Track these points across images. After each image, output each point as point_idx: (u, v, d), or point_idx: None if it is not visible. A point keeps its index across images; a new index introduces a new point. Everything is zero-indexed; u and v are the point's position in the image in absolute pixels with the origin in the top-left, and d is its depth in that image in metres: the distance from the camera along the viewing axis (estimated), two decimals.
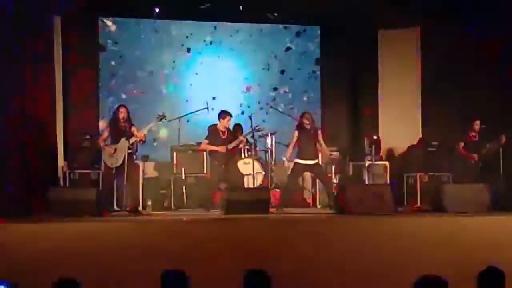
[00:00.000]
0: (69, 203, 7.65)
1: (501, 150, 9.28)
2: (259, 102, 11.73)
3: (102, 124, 10.48)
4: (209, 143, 9.14)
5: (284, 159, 9.62)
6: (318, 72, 12.04)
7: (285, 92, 11.93)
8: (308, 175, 10.01)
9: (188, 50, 11.48)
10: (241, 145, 9.46)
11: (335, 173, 10.20)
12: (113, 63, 11.24)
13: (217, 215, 8.38)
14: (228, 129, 9.26)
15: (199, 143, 9.57)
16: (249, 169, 9.73)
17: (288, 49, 11.96)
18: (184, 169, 9.87)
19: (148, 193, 9.82)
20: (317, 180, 10.01)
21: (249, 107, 11.46)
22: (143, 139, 8.53)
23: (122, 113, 8.51)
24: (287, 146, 9.26)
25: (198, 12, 10.98)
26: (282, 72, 11.91)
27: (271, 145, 10.47)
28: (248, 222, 7.35)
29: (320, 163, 9.18)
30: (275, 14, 11.26)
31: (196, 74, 11.52)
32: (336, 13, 11.18)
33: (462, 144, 9.59)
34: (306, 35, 12.04)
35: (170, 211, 9.34)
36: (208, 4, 10.71)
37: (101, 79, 11.16)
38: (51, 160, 9.30)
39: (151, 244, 6.50)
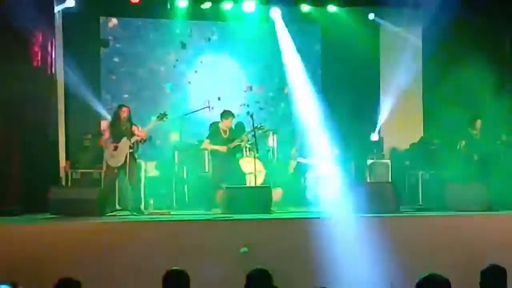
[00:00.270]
0: (71, 203, 7.65)
1: (502, 148, 9.27)
2: (257, 102, 11.67)
3: (103, 124, 10.47)
4: (210, 142, 9.14)
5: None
6: (319, 71, 12.01)
7: (286, 91, 11.89)
8: (309, 173, 10.00)
9: (183, 45, 11.43)
10: (243, 144, 9.44)
11: (337, 171, 10.19)
12: (115, 60, 11.21)
13: (219, 214, 8.37)
14: (230, 128, 9.25)
15: (201, 142, 9.57)
16: (251, 168, 9.72)
17: (290, 47, 11.93)
18: (186, 168, 9.86)
19: (150, 192, 9.82)
20: (319, 179, 10.01)
21: (248, 105, 11.40)
22: (145, 138, 8.53)
23: (124, 113, 8.51)
24: None
25: (200, 12, 10.96)
26: (283, 71, 11.87)
27: (273, 143, 10.47)
28: (249, 221, 7.35)
29: (321, 162, 9.17)
30: None
31: (196, 72, 11.49)
32: (337, 10, 11.16)
33: (463, 142, 9.58)
34: (308, 32, 12.01)
35: (171, 210, 9.34)
36: (210, 3, 10.70)
37: (102, 78, 11.14)
38: (53, 160, 9.30)
39: (152, 243, 6.50)
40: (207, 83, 11.36)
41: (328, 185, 9.30)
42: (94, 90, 10.88)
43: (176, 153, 10.06)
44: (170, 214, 8.67)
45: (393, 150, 11.06)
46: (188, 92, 11.39)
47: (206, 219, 7.70)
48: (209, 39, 11.53)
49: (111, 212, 8.20)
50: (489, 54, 10.00)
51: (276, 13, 11.09)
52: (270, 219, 7.75)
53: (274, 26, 11.51)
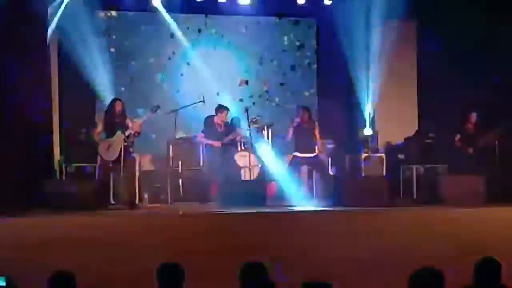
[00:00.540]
0: (65, 197, 7.64)
1: (496, 142, 9.28)
2: (251, 96, 11.65)
3: (98, 117, 10.45)
4: (205, 136, 9.13)
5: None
6: (315, 65, 12.01)
7: (281, 84, 11.89)
8: (304, 168, 10.00)
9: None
10: (238, 138, 9.44)
11: (331, 165, 10.21)
12: (109, 52, 11.17)
13: (214, 208, 8.38)
14: (225, 122, 9.24)
15: (195, 136, 9.56)
16: (246, 162, 9.73)
17: (284, 40, 11.93)
18: (181, 162, 9.86)
19: (145, 186, 9.82)
20: (314, 173, 10.02)
21: (242, 100, 11.39)
22: (139, 131, 8.50)
23: (118, 106, 8.49)
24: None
25: (194, 5, 10.94)
26: (279, 65, 11.88)
27: (268, 137, 10.47)
28: (244, 214, 7.36)
29: (318, 155, 9.17)
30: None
31: (188, 64, 11.47)
32: (332, 5, 11.16)
33: (458, 136, 9.59)
34: (303, 27, 12.01)
35: (166, 205, 9.34)
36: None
37: (97, 70, 11.08)
38: (47, 153, 9.28)
39: (147, 237, 6.50)
40: (200, 76, 11.34)
41: (323, 179, 9.31)
42: (88, 83, 10.89)
43: (171, 147, 10.06)
44: (164, 208, 8.67)
45: (388, 144, 11.07)
46: (181, 84, 11.37)
47: (200, 213, 7.71)
48: (199, 31, 11.48)
49: (106, 206, 8.19)
50: (485, 47, 10.01)
51: None
52: (265, 212, 7.76)
53: (270, 20, 11.56)
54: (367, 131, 10.75)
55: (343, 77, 11.75)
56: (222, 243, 6.53)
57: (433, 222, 7.16)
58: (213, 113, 9.32)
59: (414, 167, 10.09)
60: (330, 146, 10.60)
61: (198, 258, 6.16)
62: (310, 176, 10.37)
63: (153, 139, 10.79)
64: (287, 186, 9.50)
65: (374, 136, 10.66)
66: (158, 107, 8.66)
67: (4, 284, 3.89)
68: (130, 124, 8.42)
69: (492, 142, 9.37)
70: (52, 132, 9.54)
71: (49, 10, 9.70)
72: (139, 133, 8.56)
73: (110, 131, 8.43)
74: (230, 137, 9.19)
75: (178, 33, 11.39)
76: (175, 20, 11.30)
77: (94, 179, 8.95)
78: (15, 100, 8.31)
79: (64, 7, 10.22)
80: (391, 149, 10.93)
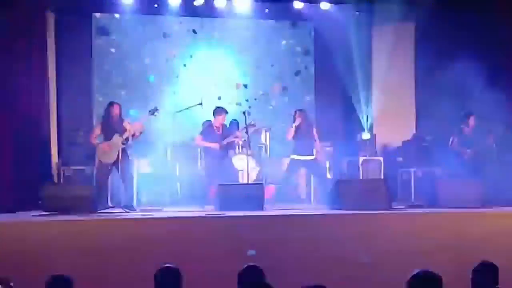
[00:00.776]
0: (63, 200, 7.63)
1: (494, 145, 9.30)
2: (246, 100, 11.64)
3: (96, 121, 10.46)
4: (203, 139, 9.13)
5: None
6: (312, 68, 12.03)
7: (278, 88, 11.90)
8: (302, 170, 10.01)
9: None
10: (236, 140, 9.42)
11: (329, 168, 10.22)
12: (106, 56, 11.19)
13: (212, 211, 8.37)
14: (223, 125, 9.24)
15: (194, 139, 9.56)
16: (244, 165, 9.73)
17: (282, 43, 11.94)
18: (179, 165, 9.86)
19: (143, 189, 9.81)
20: (312, 176, 10.03)
21: (239, 104, 11.39)
22: (137, 134, 8.47)
23: (115, 110, 8.47)
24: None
25: (192, 8, 10.95)
26: (276, 68, 11.89)
27: (266, 140, 10.48)
28: (242, 217, 7.35)
29: (316, 158, 9.18)
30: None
31: (184, 65, 11.48)
32: (330, 8, 11.17)
33: (455, 139, 9.60)
34: (300, 31, 12.03)
35: (164, 207, 9.33)
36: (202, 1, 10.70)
37: (94, 73, 11.12)
38: (45, 157, 9.27)
39: (145, 240, 6.50)
40: (197, 79, 11.37)
41: (321, 182, 9.31)
42: (86, 86, 10.91)
43: (169, 149, 10.06)
44: (162, 211, 8.66)
45: (386, 147, 11.08)
46: (178, 87, 11.38)
47: (198, 216, 7.70)
48: (196, 33, 11.50)
49: (104, 209, 8.18)
50: (482, 50, 10.02)
51: None
52: (263, 216, 7.75)
53: (268, 23, 11.59)
54: (365, 135, 10.75)
55: (341, 81, 11.77)
56: (220, 246, 6.53)
57: (430, 225, 7.15)
58: (211, 117, 9.30)
59: (412, 170, 10.09)
60: (328, 149, 10.61)
61: (196, 262, 6.16)
62: (308, 179, 10.39)
63: (151, 142, 10.78)
64: (285, 189, 9.53)
65: (372, 140, 10.66)
66: (156, 109, 8.65)
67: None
68: (127, 127, 8.41)
69: (489, 145, 9.38)
70: (50, 135, 9.54)
71: (48, 13, 9.71)
72: (137, 136, 8.53)
73: (107, 134, 8.42)
74: (231, 137, 9.16)
75: (176, 36, 11.42)
76: (173, 22, 11.33)
77: (92, 182, 8.94)
78: (13, 102, 8.30)
79: (64, 10, 10.25)
80: (389, 152, 10.94)
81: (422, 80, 11.24)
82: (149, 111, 8.67)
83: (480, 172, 9.07)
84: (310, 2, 10.98)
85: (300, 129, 8.98)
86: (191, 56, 11.51)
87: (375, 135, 10.83)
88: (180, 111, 10.26)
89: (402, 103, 11.34)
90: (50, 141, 9.57)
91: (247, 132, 9.33)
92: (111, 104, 8.63)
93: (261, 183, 9.55)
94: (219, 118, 9.12)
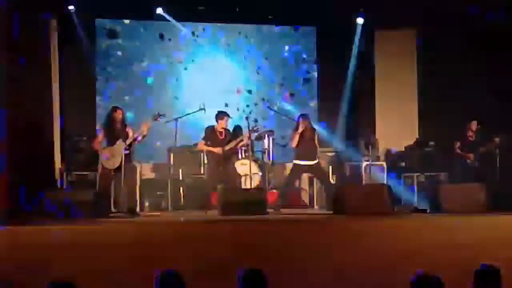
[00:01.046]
0: (66, 205, 7.63)
1: (497, 150, 9.29)
2: (247, 105, 11.66)
3: (99, 127, 10.48)
4: (206, 144, 9.13)
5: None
6: (315, 73, 12.04)
7: (281, 92, 11.91)
8: (305, 175, 10.01)
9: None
10: (240, 144, 9.41)
11: (332, 173, 10.22)
12: (109, 61, 11.23)
13: (214, 216, 8.38)
14: (225, 129, 9.24)
15: (196, 144, 9.57)
16: (246, 170, 9.74)
17: (284, 49, 11.96)
18: (182, 170, 9.87)
19: (146, 194, 9.84)
20: (315, 181, 10.04)
21: (237, 109, 11.40)
22: (139, 139, 8.46)
23: (119, 115, 8.47)
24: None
25: (194, 13, 10.98)
26: (278, 72, 11.90)
27: (269, 146, 10.49)
28: (245, 223, 7.35)
29: (318, 163, 9.17)
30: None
31: (185, 69, 11.51)
32: (333, 13, 11.19)
33: (458, 144, 9.60)
34: (303, 35, 12.04)
35: (167, 212, 9.35)
36: (203, 8, 10.73)
37: (97, 78, 11.16)
38: (48, 162, 9.29)
39: (148, 245, 6.50)
40: (200, 84, 11.39)
41: (324, 186, 9.31)
42: (89, 91, 10.94)
43: (172, 154, 10.07)
44: (165, 216, 8.68)
45: (388, 152, 11.08)
46: (179, 92, 11.41)
47: (201, 221, 7.71)
48: (194, 34, 11.53)
49: (106, 214, 8.19)
50: (485, 55, 10.03)
51: None
52: (265, 220, 7.76)
53: (270, 27, 11.62)
54: (368, 139, 10.75)
55: (344, 85, 11.79)
56: (223, 251, 6.53)
57: (433, 230, 7.14)
58: (214, 122, 9.30)
59: (415, 175, 10.10)
60: (331, 154, 10.62)
61: (198, 266, 6.16)
62: (311, 184, 10.40)
63: (154, 147, 10.81)
64: (287, 193, 9.52)
65: (375, 144, 10.66)
66: (159, 115, 8.64)
67: None
68: (131, 132, 8.42)
69: (492, 150, 9.38)
70: (53, 140, 9.56)
71: (51, 19, 9.74)
72: (140, 140, 8.52)
73: (111, 140, 8.43)
74: (232, 143, 9.16)
75: (178, 41, 11.46)
76: (175, 27, 11.37)
77: (95, 187, 8.95)
78: (16, 107, 8.32)
79: (67, 15, 10.29)
80: (391, 157, 10.95)
81: (425, 85, 11.25)
82: (152, 116, 8.67)
83: (483, 177, 9.06)
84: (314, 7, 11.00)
85: (303, 134, 8.99)
86: (192, 61, 11.54)
87: (378, 140, 10.83)
88: (182, 116, 10.27)
89: (405, 108, 11.34)
90: (54, 147, 9.59)
91: (250, 137, 9.35)
92: (114, 109, 8.63)
93: (264, 188, 9.56)
94: (222, 122, 9.12)
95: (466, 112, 10.01)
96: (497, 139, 9.27)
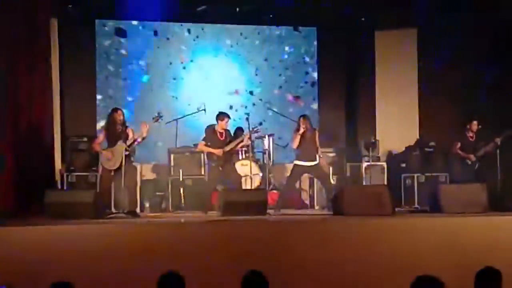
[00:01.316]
0: (67, 206, 7.63)
1: (497, 150, 9.28)
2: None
3: (99, 128, 10.49)
4: (206, 144, 9.13)
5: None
6: (315, 73, 12.04)
7: (281, 93, 11.92)
8: (305, 176, 10.01)
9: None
10: (241, 144, 9.41)
11: (332, 174, 10.22)
12: (109, 61, 11.24)
13: (215, 216, 8.37)
14: (226, 130, 9.23)
15: (196, 145, 9.57)
16: (247, 171, 9.74)
17: (285, 50, 11.97)
18: (182, 171, 9.87)
19: (146, 195, 9.84)
20: (315, 181, 10.04)
21: (236, 110, 11.39)
22: (140, 140, 8.47)
23: (119, 116, 8.46)
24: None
25: (194, 14, 10.99)
26: (278, 73, 11.91)
27: (269, 146, 10.49)
28: (245, 223, 7.35)
29: (319, 164, 9.17)
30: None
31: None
32: (333, 13, 11.19)
33: (459, 144, 9.60)
34: (304, 36, 12.05)
35: (167, 213, 9.34)
36: (205, 7, 10.71)
37: (98, 79, 11.17)
38: (49, 163, 9.28)
39: (148, 246, 6.49)
40: (200, 85, 11.40)
41: (325, 187, 9.31)
42: (89, 92, 10.95)
43: (172, 155, 10.07)
44: (165, 217, 8.67)
45: (389, 153, 11.08)
46: (179, 92, 11.42)
47: (201, 222, 7.71)
48: (197, 37, 11.54)
49: (107, 215, 8.19)
50: (485, 54, 10.03)
51: None
52: (266, 221, 7.75)
53: (264, 29, 11.62)
54: (368, 140, 10.75)
55: (344, 86, 11.79)
56: (223, 252, 6.53)
57: (434, 230, 7.13)
58: (214, 122, 9.30)
59: (415, 175, 10.09)
60: (331, 154, 10.62)
61: (199, 267, 6.16)
62: (311, 185, 10.40)
63: (154, 148, 10.81)
64: (288, 194, 9.52)
65: (375, 145, 10.66)
66: (160, 116, 8.65)
67: None
68: (131, 133, 8.41)
69: (493, 150, 9.37)
70: (53, 141, 9.55)
71: (51, 20, 9.73)
72: (140, 141, 8.53)
73: (111, 141, 8.43)
74: (233, 144, 9.16)
75: (179, 42, 11.47)
76: (175, 27, 11.39)
77: (95, 188, 8.95)
78: (16, 108, 8.32)
79: (67, 16, 10.31)
80: (392, 158, 10.94)
81: (425, 85, 11.25)
82: (153, 118, 8.68)
83: (484, 177, 9.06)
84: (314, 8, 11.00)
85: (303, 134, 8.98)
86: (192, 61, 11.54)
87: (378, 140, 10.83)
88: (182, 117, 10.29)
89: (405, 108, 11.34)
90: (54, 147, 9.58)
91: (250, 138, 9.35)
92: (114, 110, 8.63)
93: (264, 189, 9.56)
94: (222, 123, 9.11)
95: (466, 113, 10.01)
96: (498, 139, 9.25)
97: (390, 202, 8.13)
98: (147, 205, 9.81)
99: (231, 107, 11.15)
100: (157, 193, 10.11)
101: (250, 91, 11.75)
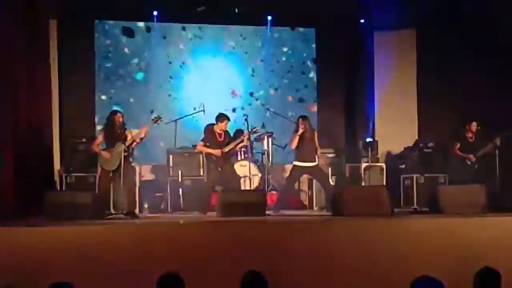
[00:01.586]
0: (66, 207, 7.62)
1: (497, 151, 9.28)
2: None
3: (99, 130, 10.49)
4: (205, 145, 9.13)
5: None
6: (314, 74, 12.04)
7: (280, 94, 11.92)
8: (304, 177, 10.01)
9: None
10: (240, 145, 9.41)
11: (331, 174, 10.22)
12: (108, 62, 11.24)
13: (214, 217, 8.37)
14: (225, 131, 9.23)
15: (195, 145, 9.57)
16: (246, 172, 9.73)
17: (284, 50, 11.97)
18: (181, 172, 9.87)
19: (145, 196, 9.83)
20: (314, 182, 10.03)
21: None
22: (138, 141, 8.47)
23: (118, 119, 8.46)
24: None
25: (193, 14, 10.99)
26: (277, 74, 11.91)
27: (268, 147, 10.49)
28: (244, 224, 7.35)
29: (318, 165, 9.17)
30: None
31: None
32: (332, 14, 11.20)
33: (458, 145, 9.60)
34: (303, 37, 12.05)
35: (166, 214, 9.34)
36: (204, 7, 10.71)
37: (97, 80, 11.16)
38: (48, 164, 9.28)
39: (147, 247, 6.49)
40: (198, 86, 11.41)
41: (324, 188, 9.31)
42: (88, 93, 10.95)
43: (171, 156, 10.07)
44: (164, 218, 8.67)
45: (388, 153, 11.09)
46: (177, 92, 11.43)
47: (200, 223, 7.70)
48: (196, 37, 11.56)
49: (106, 216, 8.19)
50: (484, 54, 10.02)
51: None
52: (265, 222, 7.75)
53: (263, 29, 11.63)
54: (367, 141, 10.76)
55: (343, 87, 11.79)
56: (223, 252, 6.53)
57: (433, 231, 7.13)
58: (213, 122, 9.30)
59: (414, 176, 10.09)
60: (330, 155, 10.62)
61: (198, 268, 6.16)
62: (310, 185, 10.39)
63: (153, 149, 10.81)
64: (287, 195, 9.52)
65: (374, 146, 10.66)
66: (159, 118, 8.66)
67: None
68: (130, 135, 8.41)
69: (492, 151, 9.37)
70: (52, 142, 9.55)
71: (50, 21, 9.73)
72: (138, 142, 8.52)
73: (110, 142, 8.43)
74: (231, 145, 9.15)
75: (178, 42, 11.48)
76: (174, 27, 11.39)
77: (94, 189, 8.95)
78: (15, 109, 8.31)
79: (66, 16, 10.31)
80: (391, 159, 10.94)
81: (424, 86, 11.25)
82: (152, 119, 8.69)
83: (483, 178, 9.05)
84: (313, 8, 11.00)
85: (303, 135, 8.98)
86: (192, 62, 11.55)
87: (377, 141, 10.83)
88: (181, 118, 10.28)
89: (405, 109, 11.35)
90: (53, 148, 9.58)
91: (249, 139, 9.35)
92: (114, 112, 8.64)
93: (263, 190, 9.56)
94: (221, 124, 9.11)
95: (465, 113, 10.01)
96: (497, 140, 9.24)
97: (389, 202, 8.12)
98: (146, 206, 9.80)
99: (234, 110, 11.17)
100: (156, 194, 10.11)
101: (250, 93, 11.75)
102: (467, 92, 10.26)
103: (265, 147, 10.47)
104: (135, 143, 8.48)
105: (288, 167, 9.67)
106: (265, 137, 10.48)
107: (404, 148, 10.81)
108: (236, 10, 10.94)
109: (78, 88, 10.82)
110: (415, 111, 11.40)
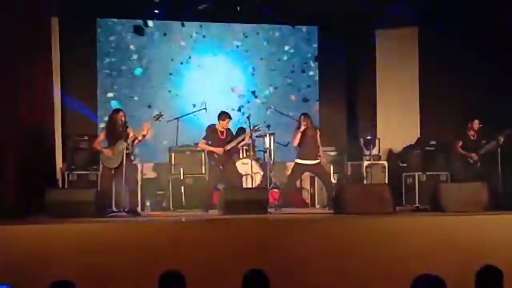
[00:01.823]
0: (67, 204, 7.63)
1: (499, 149, 9.27)
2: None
3: (100, 128, 10.49)
4: (206, 143, 9.13)
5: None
6: (316, 72, 12.03)
7: (282, 92, 11.91)
8: (306, 175, 10.01)
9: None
10: (242, 143, 9.40)
11: (333, 173, 10.22)
12: (109, 60, 11.23)
13: (216, 215, 8.37)
14: (227, 130, 9.23)
15: (197, 143, 9.57)
16: (248, 169, 9.73)
17: (285, 49, 11.96)
18: (183, 170, 9.87)
19: (147, 194, 9.84)
20: (316, 180, 10.03)
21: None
22: (140, 138, 8.46)
23: (120, 117, 8.45)
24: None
25: (195, 13, 10.98)
26: (279, 73, 11.90)
27: (270, 145, 10.49)
28: (246, 222, 7.35)
29: (320, 163, 9.16)
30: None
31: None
32: (334, 13, 11.19)
33: (460, 143, 9.58)
34: (304, 35, 12.04)
35: (168, 212, 9.34)
36: (206, 5, 10.70)
37: (99, 78, 11.16)
38: (49, 161, 9.29)
39: (149, 245, 6.50)
40: (200, 84, 11.41)
41: (326, 186, 9.30)
42: (90, 90, 10.94)
43: (173, 154, 10.07)
44: (166, 216, 8.67)
45: (390, 151, 11.08)
46: (179, 90, 11.42)
47: (202, 221, 7.71)
48: (198, 35, 11.55)
49: (108, 214, 8.19)
50: (487, 53, 10.01)
51: None
52: (267, 220, 7.75)
53: (265, 28, 11.63)
54: (369, 139, 10.74)
55: (345, 85, 11.78)
56: (224, 250, 6.53)
57: (434, 229, 7.14)
58: (214, 121, 9.29)
59: (416, 174, 10.07)
60: (332, 153, 10.62)
61: (200, 266, 6.16)
62: (312, 183, 10.39)
63: (155, 147, 10.80)
64: (289, 193, 9.52)
65: (376, 144, 10.65)
66: (161, 115, 8.67)
67: None
68: (131, 133, 8.41)
69: (494, 149, 9.36)
70: (54, 140, 9.55)
71: (52, 19, 9.73)
72: (140, 140, 8.52)
73: (112, 140, 8.43)
74: (234, 143, 9.15)
75: (176, 40, 11.47)
76: (173, 26, 11.39)
77: (96, 187, 8.95)
78: (17, 107, 8.31)
79: (68, 14, 10.31)
80: (393, 157, 10.93)
81: (426, 84, 11.24)
82: (153, 116, 8.69)
83: (485, 176, 9.04)
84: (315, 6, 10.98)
85: (305, 133, 8.98)
86: (193, 60, 11.54)
87: (379, 139, 10.83)
88: (183, 116, 10.28)
89: (406, 107, 11.33)
90: (55, 146, 9.58)
91: (251, 137, 9.35)
92: (116, 111, 8.64)
93: (265, 187, 9.56)
94: (223, 122, 9.11)
95: (467, 111, 9.99)
96: (500, 138, 9.23)
97: (391, 201, 8.12)
98: (148, 204, 9.81)
99: (239, 109, 11.18)
100: (158, 192, 10.11)
101: (252, 91, 11.75)
102: (469, 90, 10.24)
103: (267, 145, 10.47)
104: (137, 141, 8.48)
105: (290, 165, 9.67)
106: (267, 134, 10.48)
107: (406, 146, 10.80)
108: (238, 8, 10.92)
109: (80, 86, 10.81)
110: (417, 109, 11.39)
